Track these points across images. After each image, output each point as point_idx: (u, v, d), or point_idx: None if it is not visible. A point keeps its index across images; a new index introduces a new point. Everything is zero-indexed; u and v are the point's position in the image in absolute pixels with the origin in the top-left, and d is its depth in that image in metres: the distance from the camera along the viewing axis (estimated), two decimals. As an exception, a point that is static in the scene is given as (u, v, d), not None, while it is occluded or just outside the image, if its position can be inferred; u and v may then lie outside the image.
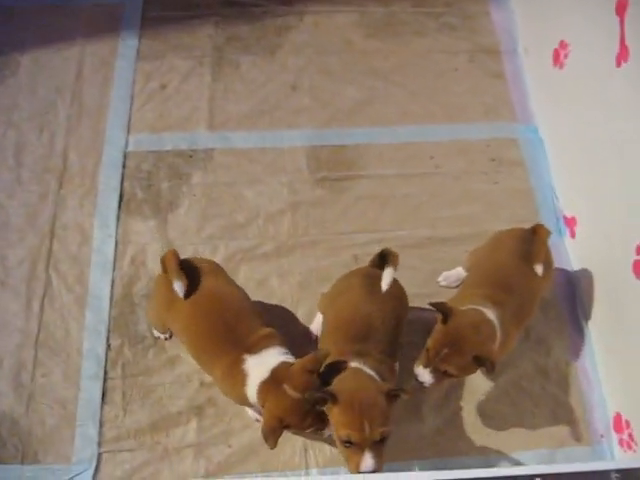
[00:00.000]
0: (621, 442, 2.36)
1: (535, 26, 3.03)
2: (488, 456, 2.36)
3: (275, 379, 1.95)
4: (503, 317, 2.09)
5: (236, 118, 2.95)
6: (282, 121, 2.97)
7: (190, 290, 2.08)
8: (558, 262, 2.66)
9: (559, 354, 2.52)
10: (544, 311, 2.57)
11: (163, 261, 2.13)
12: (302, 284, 2.61)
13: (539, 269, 2.24)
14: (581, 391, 2.47)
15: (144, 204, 2.73)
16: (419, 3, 3.33)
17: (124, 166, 2.81)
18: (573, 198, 2.72)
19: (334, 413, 1.89)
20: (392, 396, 1.91)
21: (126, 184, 2.77)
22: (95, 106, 2.95)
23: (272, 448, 1.92)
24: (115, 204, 2.72)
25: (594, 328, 2.53)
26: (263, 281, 2.59)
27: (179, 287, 2.06)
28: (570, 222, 2.70)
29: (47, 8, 3.24)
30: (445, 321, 2.04)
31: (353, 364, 2.00)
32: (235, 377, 2.01)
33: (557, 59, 2.73)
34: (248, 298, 2.23)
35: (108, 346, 2.46)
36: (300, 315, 2.56)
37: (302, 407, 1.92)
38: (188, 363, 2.43)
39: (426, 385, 2.09)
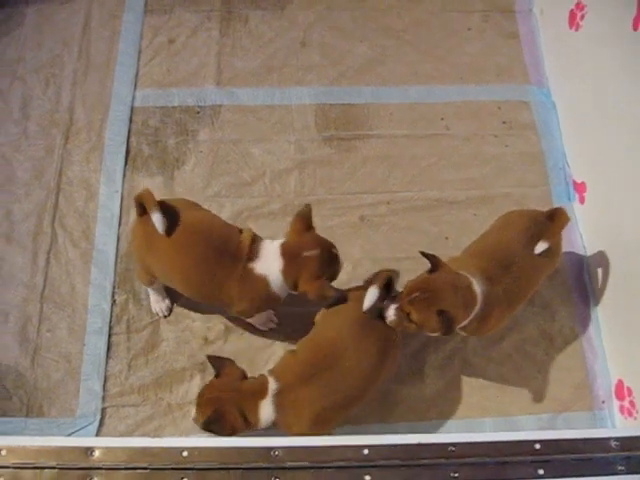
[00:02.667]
0: (622, 409, 2.36)
1: (551, -14, 2.97)
2: (489, 419, 2.37)
3: (290, 257, 2.05)
4: (490, 293, 2.06)
5: (244, 74, 2.91)
6: (291, 78, 2.93)
7: (169, 227, 2.03)
8: (567, 228, 2.63)
9: (564, 320, 2.52)
10: (550, 276, 2.55)
11: (139, 199, 2.04)
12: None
13: (542, 247, 2.16)
14: (584, 357, 2.47)
15: (150, 160, 2.71)
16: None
17: (131, 121, 2.78)
18: (583, 163, 2.68)
19: None
20: None
21: (133, 140, 2.74)
22: (102, 60, 2.92)
23: (330, 297, 2.06)
24: (121, 160, 2.69)
25: (600, 295, 2.52)
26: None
27: (158, 220, 2.00)
28: (580, 188, 2.67)
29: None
30: (431, 272, 2.03)
31: None
32: (256, 286, 2.06)
33: (573, 21, 2.68)
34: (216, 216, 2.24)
35: (113, 301, 2.46)
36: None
37: (324, 257, 2.06)
38: (191, 318, 2.45)
39: (388, 321, 2.06)
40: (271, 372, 2.01)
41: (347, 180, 2.72)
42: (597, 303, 2.53)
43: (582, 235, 2.64)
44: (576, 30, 2.66)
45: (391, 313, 2.04)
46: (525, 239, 2.18)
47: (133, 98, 2.83)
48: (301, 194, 2.68)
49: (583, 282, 2.58)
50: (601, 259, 2.52)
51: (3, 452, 1.47)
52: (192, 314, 2.45)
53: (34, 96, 2.83)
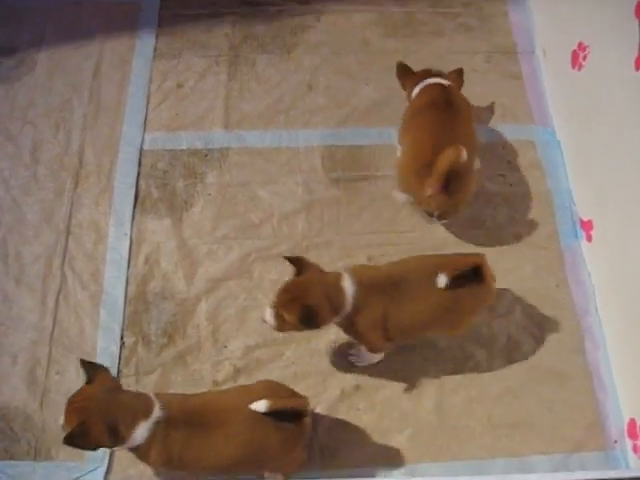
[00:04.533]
0: (635, 448, 2.34)
1: (553, 27, 3.01)
2: (500, 459, 2.34)
3: None
4: (366, 297, 2.09)
5: (251, 117, 2.95)
6: (298, 120, 2.96)
7: None
8: (574, 266, 2.65)
9: (573, 358, 2.50)
10: (559, 314, 2.56)
11: None
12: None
13: (442, 281, 2.11)
14: (595, 396, 2.45)
15: (159, 203, 2.73)
16: (437, 3, 3.31)
17: (140, 164, 2.81)
18: (590, 201, 2.69)
19: None
20: None
21: (142, 182, 2.77)
22: (112, 104, 2.96)
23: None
24: (130, 202, 2.72)
25: (610, 334, 2.51)
26: (278, 281, 2.57)
27: None
28: (586, 226, 2.68)
29: (65, 5, 3.25)
30: (298, 274, 2.10)
31: None
32: None
33: (575, 61, 2.71)
34: None
35: (122, 344, 2.46)
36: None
37: None
38: (200, 361, 2.44)
39: (267, 323, 2.12)
40: (157, 397, 1.93)
41: (354, 221, 2.73)
42: (607, 341, 2.52)
43: (590, 273, 2.64)
44: (579, 70, 2.69)
45: (269, 318, 2.10)
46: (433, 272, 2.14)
47: (142, 141, 2.87)
48: (309, 235, 2.69)
49: (592, 320, 2.57)
50: (609, 297, 2.52)
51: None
52: (201, 356, 2.45)
53: (44, 140, 2.87)
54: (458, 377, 2.46)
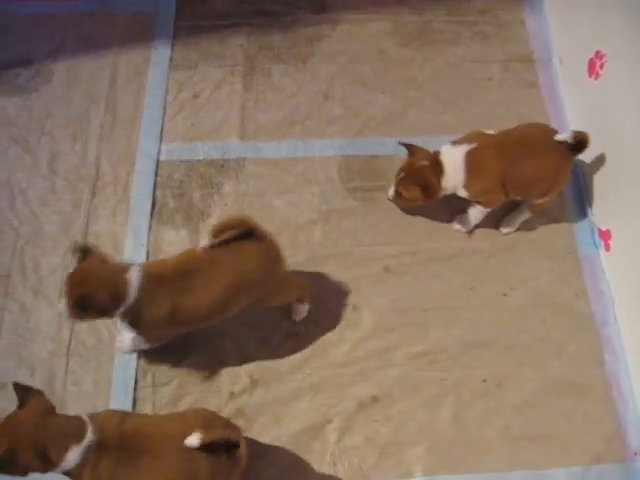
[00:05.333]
0: (656, 461, 2.32)
1: (570, 35, 3.00)
2: (518, 472, 2.33)
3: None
4: (152, 290, 2.09)
5: (268, 127, 2.95)
6: (314, 130, 2.96)
7: None
8: (593, 276, 2.63)
9: (592, 370, 2.48)
10: (577, 325, 2.54)
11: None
12: (332, 294, 2.60)
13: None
14: (615, 408, 2.43)
15: (176, 213, 2.74)
16: (453, 11, 3.30)
17: (156, 175, 2.82)
18: (608, 211, 2.68)
19: None
20: None
21: (158, 193, 2.78)
22: (128, 115, 2.97)
23: None
24: (147, 213, 2.73)
25: (630, 345, 2.49)
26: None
27: None
28: (605, 235, 2.66)
29: (81, 16, 3.27)
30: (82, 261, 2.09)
31: None
32: None
33: (592, 69, 2.70)
34: None
35: (139, 355, 2.46)
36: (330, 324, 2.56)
37: None
38: (217, 372, 2.44)
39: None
40: (92, 419, 1.88)
41: (371, 231, 2.73)
42: (626, 352, 2.50)
43: (609, 283, 2.62)
44: (596, 79, 2.68)
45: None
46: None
47: (159, 152, 2.88)
48: (325, 245, 2.69)
49: (611, 330, 2.55)
50: (629, 307, 2.50)
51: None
52: (218, 368, 2.44)
53: (62, 151, 2.88)
54: (475, 389, 2.45)
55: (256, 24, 3.25)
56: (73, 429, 1.84)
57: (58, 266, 2.63)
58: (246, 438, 2.17)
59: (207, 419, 2.01)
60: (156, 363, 2.46)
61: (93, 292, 2.01)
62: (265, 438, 2.36)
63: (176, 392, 2.41)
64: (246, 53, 3.16)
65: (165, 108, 3.00)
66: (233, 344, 2.50)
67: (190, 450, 1.87)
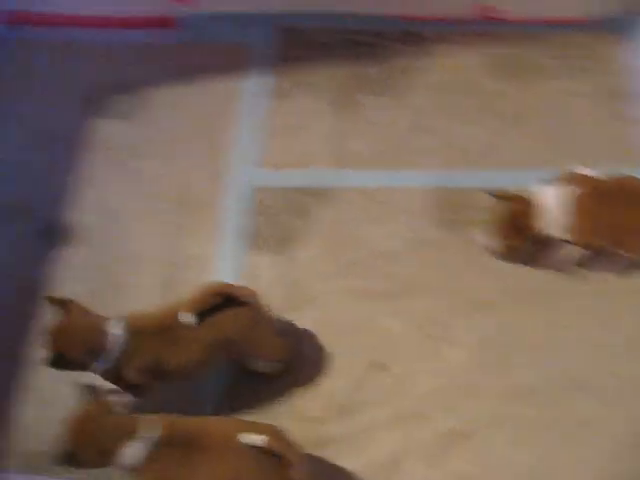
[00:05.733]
0: None
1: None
2: None
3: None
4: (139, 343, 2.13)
5: (360, 157, 2.97)
6: (406, 161, 2.96)
7: None
8: None
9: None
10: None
11: None
12: (417, 326, 2.58)
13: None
14: None
15: (269, 239, 2.77)
16: (548, 45, 3.26)
17: (250, 201, 2.87)
18: None
19: None
20: None
21: (252, 219, 2.82)
22: (224, 141, 3.04)
23: None
24: (240, 238, 2.78)
25: None
26: (380, 321, 2.58)
27: None
28: None
29: (179, 46, 3.39)
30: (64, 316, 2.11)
31: None
32: None
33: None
34: None
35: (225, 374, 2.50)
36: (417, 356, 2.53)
37: None
38: (301, 397, 2.44)
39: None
40: (146, 420, 1.98)
41: (461, 266, 2.69)
42: None
43: None
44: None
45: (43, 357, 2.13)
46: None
47: (252, 178, 2.93)
48: (413, 278, 2.67)
49: None
50: None
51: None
52: (301, 391, 2.45)
53: (158, 175, 2.97)
54: (566, 429, 2.38)
55: (351, 55, 3.29)
56: (129, 426, 1.95)
57: (148, 286, 2.69)
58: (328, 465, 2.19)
59: (271, 432, 2.03)
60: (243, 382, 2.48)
61: (70, 350, 2.06)
62: (347, 467, 2.34)
63: (259, 414, 2.40)
64: (340, 83, 3.20)
65: (259, 135, 3.06)
66: (317, 369, 2.50)
67: (245, 454, 1.93)
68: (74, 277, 2.75)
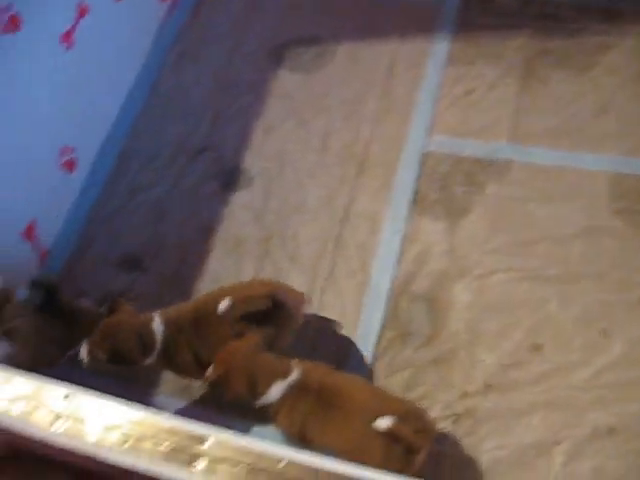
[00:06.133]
0: None
1: None
2: None
3: None
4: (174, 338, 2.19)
5: (539, 133, 2.87)
6: (586, 142, 2.83)
7: None
8: None
9: None
10: None
11: None
12: (582, 315, 2.49)
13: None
14: None
15: (436, 205, 2.75)
16: None
17: (421, 165, 2.86)
18: None
19: None
20: None
21: (421, 183, 2.81)
22: (401, 103, 3.03)
23: None
24: (408, 201, 2.77)
25: None
26: (543, 304, 2.51)
27: None
28: None
29: (365, 3, 3.40)
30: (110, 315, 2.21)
31: None
32: None
33: None
34: None
35: (379, 337, 2.52)
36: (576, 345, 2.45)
37: None
38: (452, 369, 2.44)
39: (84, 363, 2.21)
40: (299, 364, 2.06)
41: (634, 256, 2.57)
42: None
43: None
44: None
45: (84, 354, 2.17)
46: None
47: (426, 143, 2.91)
48: (581, 263, 2.57)
49: None
50: None
51: (281, 464, 1.55)
52: (454, 364, 2.44)
53: (335, 129, 3.01)
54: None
55: (539, 27, 3.17)
56: (281, 366, 2.05)
57: (316, 237, 2.75)
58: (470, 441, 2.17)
59: (407, 412, 2.04)
60: (395, 348, 2.49)
61: (121, 342, 2.13)
62: (489, 445, 2.32)
63: (410, 380, 2.43)
64: (525, 55, 3.10)
65: (438, 101, 3.02)
66: (468, 343, 2.48)
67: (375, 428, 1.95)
68: (249, 222, 2.86)
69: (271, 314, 2.23)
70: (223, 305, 2.19)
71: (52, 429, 1.62)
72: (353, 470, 1.51)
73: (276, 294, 2.24)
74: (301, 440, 2.07)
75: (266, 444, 1.55)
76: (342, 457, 1.95)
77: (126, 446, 1.57)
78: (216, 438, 1.55)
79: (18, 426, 1.65)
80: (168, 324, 2.22)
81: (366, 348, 2.50)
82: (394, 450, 1.96)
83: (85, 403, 1.66)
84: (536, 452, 2.29)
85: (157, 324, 2.19)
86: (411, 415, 2.05)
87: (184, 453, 1.52)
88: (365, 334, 2.53)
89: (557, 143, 2.85)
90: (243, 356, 2.03)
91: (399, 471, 1.92)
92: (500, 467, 2.27)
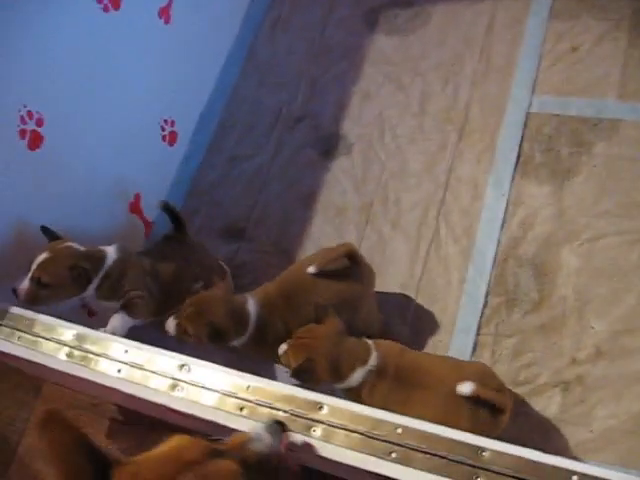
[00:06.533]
0: None
1: None
2: None
3: None
4: (267, 318, 2.19)
5: (651, 89, 2.74)
6: None
7: None
8: None
9: None
10: None
11: None
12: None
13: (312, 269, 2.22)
14: None
15: (541, 168, 2.67)
16: None
17: (525, 127, 2.76)
18: None
19: None
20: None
21: (525, 145, 2.73)
22: (502, 63, 2.94)
23: None
24: (511, 164, 2.69)
25: None
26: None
27: None
28: None
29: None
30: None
31: None
32: None
33: None
34: None
35: (485, 302, 2.49)
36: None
37: None
38: (561, 335, 2.38)
39: (170, 333, 2.15)
40: (377, 346, 2.05)
41: None
42: None
43: None
44: None
45: (171, 328, 2.13)
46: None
47: (529, 104, 2.81)
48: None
49: None
50: None
51: (399, 430, 1.57)
52: (564, 330, 2.38)
53: (433, 92, 2.96)
54: None
55: (651, -23, 3.00)
56: (361, 351, 2.03)
57: (418, 203, 2.73)
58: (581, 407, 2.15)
59: (483, 375, 2.05)
60: (502, 314, 2.46)
61: (219, 320, 2.10)
62: (601, 412, 2.27)
63: (517, 346, 2.40)
64: (634, 7, 2.92)
65: (540, 59, 2.91)
66: (577, 310, 2.41)
67: (457, 397, 1.96)
68: (349, 189, 2.86)
69: (351, 272, 2.28)
70: (311, 268, 2.22)
71: (173, 394, 1.69)
72: (466, 436, 1.52)
73: (352, 251, 2.26)
74: None
75: (381, 412, 1.57)
76: None
77: (244, 412, 1.62)
78: (331, 405, 1.58)
79: (140, 391, 1.73)
80: (262, 304, 2.23)
81: (472, 315, 2.48)
82: (481, 414, 1.98)
83: (200, 372, 1.72)
84: (649, 422, 2.23)
85: (251, 305, 2.20)
86: (487, 376, 2.07)
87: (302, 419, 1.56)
88: (471, 301, 2.50)
89: (671, 98, 2.71)
90: (326, 342, 2.01)
91: (487, 433, 1.94)
92: (613, 435, 2.22)
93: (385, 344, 2.11)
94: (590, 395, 2.29)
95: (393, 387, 2.02)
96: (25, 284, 2.09)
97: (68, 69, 2.44)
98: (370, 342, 2.08)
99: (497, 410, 1.98)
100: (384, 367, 2.02)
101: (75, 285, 2.16)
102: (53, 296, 2.15)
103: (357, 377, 2.01)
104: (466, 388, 1.95)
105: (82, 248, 2.19)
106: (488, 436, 1.98)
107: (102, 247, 2.27)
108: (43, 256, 2.10)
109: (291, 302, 2.25)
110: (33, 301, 2.10)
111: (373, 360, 2.02)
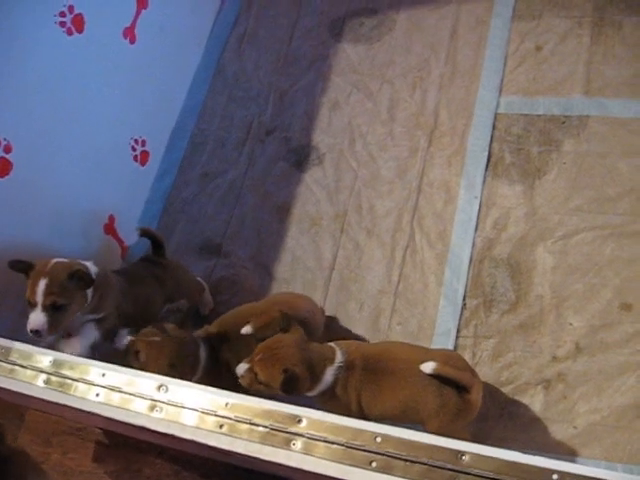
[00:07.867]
0: None
1: None
2: None
3: None
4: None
5: (615, 84, 2.75)
6: (666, 90, 2.72)
7: None
8: None
9: None
10: None
11: None
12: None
13: None
14: None
15: (512, 168, 2.69)
16: None
17: (494, 128, 2.78)
18: None
19: None
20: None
21: (494, 146, 2.75)
22: (468, 65, 2.96)
23: None
24: (482, 166, 2.71)
25: None
26: (632, 261, 2.43)
27: None
28: None
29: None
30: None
31: None
32: None
33: None
34: None
35: (463, 305, 2.50)
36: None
37: None
38: (541, 334, 2.39)
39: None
40: (339, 345, 2.08)
41: None
42: None
43: None
44: None
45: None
46: None
47: (497, 105, 2.83)
48: (671, 217, 2.48)
49: None
50: None
51: (378, 439, 1.56)
52: (542, 329, 2.39)
53: (401, 99, 2.97)
54: None
55: (609, -27, 3.04)
56: (327, 351, 2.05)
57: (392, 209, 2.74)
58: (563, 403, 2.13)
59: (448, 357, 2.09)
60: (480, 316, 2.47)
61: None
62: (583, 408, 2.28)
63: (497, 347, 2.41)
64: (595, 3, 2.96)
65: (506, 60, 2.93)
66: (553, 306, 2.43)
67: (424, 378, 2.00)
68: (323, 199, 2.87)
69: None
70: (245, 330, 2.16)
71: (152, 415, 1.68)
72: (444, 440, 1.51)
73: (288, 312, 2.15)
74: (360, 413, 2.08)
75: (359, 422, 1.57)
76: (401, 414, 2.06)
77: (223, 430, 1.61)
78: (310, 418, 1.57)
79: (119, 414, 1.72)
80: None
81: (451, 317, 2.49)
82: (446, 393, 2.00)
83: (178, 391, 1.71)
84: (635, 413, 2.24)
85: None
86: (452, 358, 2.10)
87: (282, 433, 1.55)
88: (449, 304, 2.51)
89: (636, 93, 2.73)
90: (296, 349, 1.99)
91: (459, 414, 2.03)
92: (596, 430, 2.23)
93: (344, 342, 2.13)
94: (572, 391, 2.30)
95: (364, 378, 2.05)
96: (40, 318, 1.99)
97: (35, 94, 2.43)
98: (331, 343, 2.11)
99: (463, 389, 2.01)
100: (351, 360, 2.05)
101: (80, 292, 2.08)
102: (70, 314, 2.07)
103: (329, 376, 2.02)
104: (428, 367, 1.98)
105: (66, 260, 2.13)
106: (465, 420, 2.06)
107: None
108: (43, 282, 2.00)
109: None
110: (56, 330, 2.04)
111: (339, 357, 2.04)
